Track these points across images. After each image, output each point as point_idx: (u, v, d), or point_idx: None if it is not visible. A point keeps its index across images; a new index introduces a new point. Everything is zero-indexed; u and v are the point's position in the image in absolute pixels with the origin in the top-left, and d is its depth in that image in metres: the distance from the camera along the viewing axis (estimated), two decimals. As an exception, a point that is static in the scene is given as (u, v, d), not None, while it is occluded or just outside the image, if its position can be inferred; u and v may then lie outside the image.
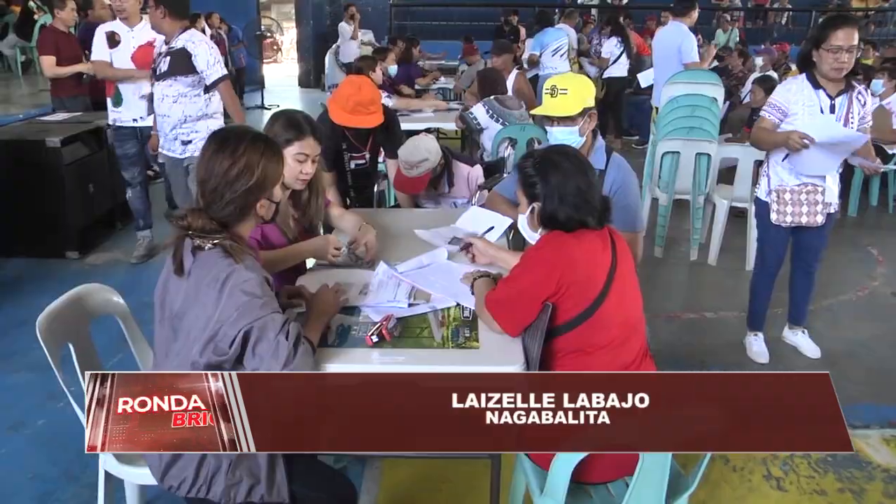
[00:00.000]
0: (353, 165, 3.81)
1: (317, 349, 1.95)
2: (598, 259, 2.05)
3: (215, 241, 1.82)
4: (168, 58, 4.19)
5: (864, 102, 3.38)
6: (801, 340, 3.92)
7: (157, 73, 4.26)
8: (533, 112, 2.89)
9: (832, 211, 3.52)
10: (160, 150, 4.49)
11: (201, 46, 4.18)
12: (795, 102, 3.35)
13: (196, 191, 1.91)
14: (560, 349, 2.05)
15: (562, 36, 8.24)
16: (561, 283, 1.99)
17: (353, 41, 10.39)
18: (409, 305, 2.27)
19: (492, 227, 2.91)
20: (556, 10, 12.51)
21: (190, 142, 4.36)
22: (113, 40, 4.77)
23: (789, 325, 3.97)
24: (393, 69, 7.05)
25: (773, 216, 3.50)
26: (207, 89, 4.27)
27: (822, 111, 3.31)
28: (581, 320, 2.01)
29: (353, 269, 2.59)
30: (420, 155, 3.59)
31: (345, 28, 10.78)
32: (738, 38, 12.41)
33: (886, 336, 4.18)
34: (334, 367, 1.94)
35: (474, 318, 2.20)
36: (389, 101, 5.71)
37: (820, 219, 3.45)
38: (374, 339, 2.03)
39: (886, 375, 3.73)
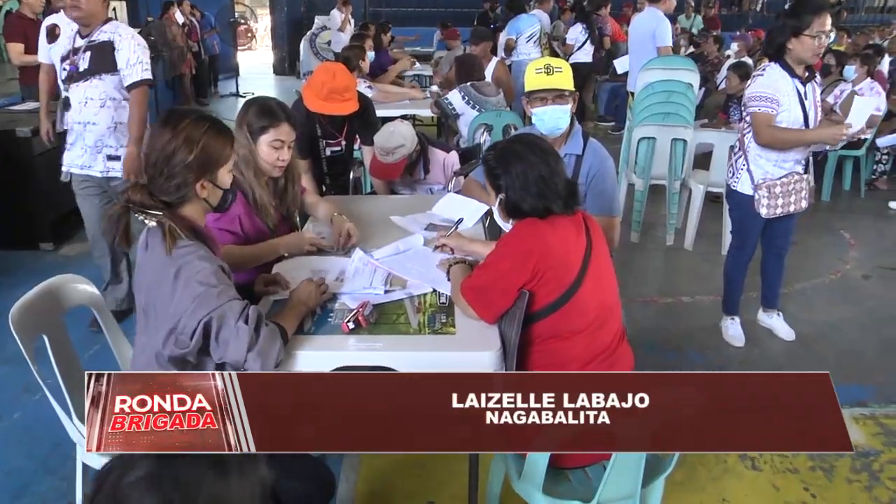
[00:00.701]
0: (328, 153, 3.79)
1: (291, 336, 1.95)
2: (573, 244, 2.06)
3: (157, 220, 1.82)
4: (88, 53, 3.56)
5: (820, 85, 3.52)
6: (775, 323, 3.97)
7: (77, 70, 3.59)
8: (534, 88, 2.85)
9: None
10: (70, 168, 3.73)
11: (127, 41, 3.57)
12: (785, 93, 3.35)
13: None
14: (538, 335, 2.06)
15: (535, 22, 8.26)
16: (536, 270, 2.00)
17: (341, 33, 9.98)
18: (386, 292, 2.27)
19: (461, 220, 2.91)
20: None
21: (119, 158, 3.63)
22: (53, 34, 4.16)
23: (763, 308, 4.01)
24: (371, 55, 6.99)
25: (764, 210, 3.48)
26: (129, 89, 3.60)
27: (800, 98, 3.35)
28: (558, 306, 2.02)
29: (329, 257, 2.58)
30: (396, 141, 3.58)
31: (336, 17, 10.44)
32: (701, 25, 12.43)
33: (857, 318, 4.25)
34: (310, 353, 1.95)
35: (451, 304, 2.21)
36: (370, 92, 5.67)
37: (805, 204, 3.51)
38: (351, 325, 2.03)
39: (857, 357, 3.80)
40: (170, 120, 1.87)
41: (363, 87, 5.64)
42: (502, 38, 8.33)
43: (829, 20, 3.25)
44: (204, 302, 1.76)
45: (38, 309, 2.17)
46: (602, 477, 1.87)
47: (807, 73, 3.38)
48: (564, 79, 2.84)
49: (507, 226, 2.22)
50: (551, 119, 2.83)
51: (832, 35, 3.27)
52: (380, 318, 2.11)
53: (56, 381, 2.11)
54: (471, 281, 2.12)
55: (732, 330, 3.90)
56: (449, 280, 2.31)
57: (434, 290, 2.29)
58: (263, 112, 2.55)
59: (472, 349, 1.97)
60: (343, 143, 3.84)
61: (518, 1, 9.12)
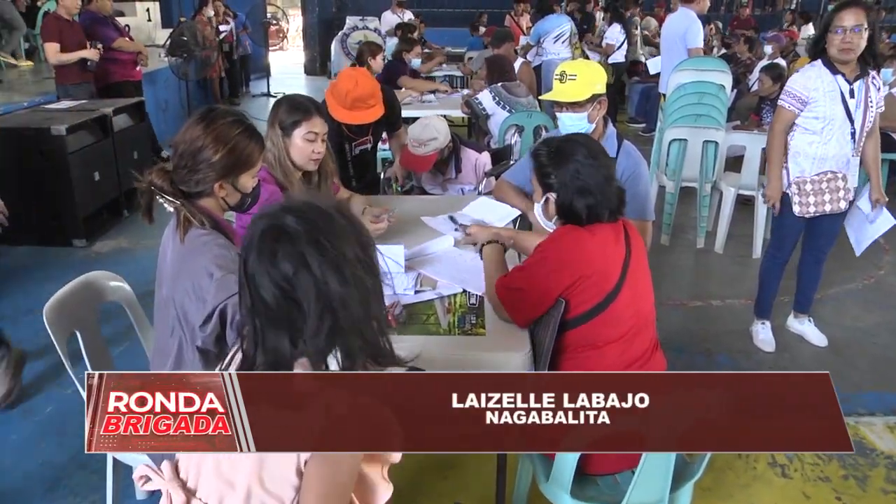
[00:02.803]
0: (357, 151, 3.76)
1: None
2: (612, 252, 2.03)
3: (174, 206, 1.86)
4: None
5: (879, 87, 3.38)
6: (807, 329, 3.91)
7: None
8: (542, 97, 2.89)
9: (851, 198, 3.50)
10: None
11: None
12: (815, 89, 3.32)
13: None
14: (571, 343, 2.03)
15: (563, 22, 8.25)
16: (574, 279, 1.97)
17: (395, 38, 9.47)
18: (416, 292, 2.27)
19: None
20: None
21: None
22: None
23: (794, 313, 3.96)
24: (417, 62, 6.89)
25: (797, 208, 3.45)
26: None
27: (842, 96, 3.29)
28: (594, 314, 2.00)
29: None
30: (430, 134, 3.60)
31: (389, 19, 9.80)
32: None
33: (892, 324, 4.17)
34: (340, 353, 1.95)
35: (480, 305, 2.20)
36: None
37: (843, 204, 3.44)
38: (381, 325, 2.03)
39: (891, 364, 3.73)
40: (206, 116, 1.90)
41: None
42: (524, 40, 8.36)
43: (859, 16, 3.16)
44: (222, 287, 1.77)
45: (72, 305, 2.20)
46: (631, 482, 1.86)
47: (858, 71, 3.30)
48: (575, 88, 2.76)
49: (549, 225, 2.19)
50: (563, 125, 2.84)
51: (864, 32, 3.18)
52: (410, 318, 2.11)
53: (89, 376, 2.14)
54: (507, 281, 2.10)
55: (763, 334, 3.85)
56: (481, 258, 2.31)
57: (464, 291, 2.29)
58: (294, 107, 2.59)
59: (502, 350, 1.97)
60: (371, 139, 3.82)
61: (545, 2, 9.12)
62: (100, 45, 6.09)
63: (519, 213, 2.98)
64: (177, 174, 1.89)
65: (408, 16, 10.19)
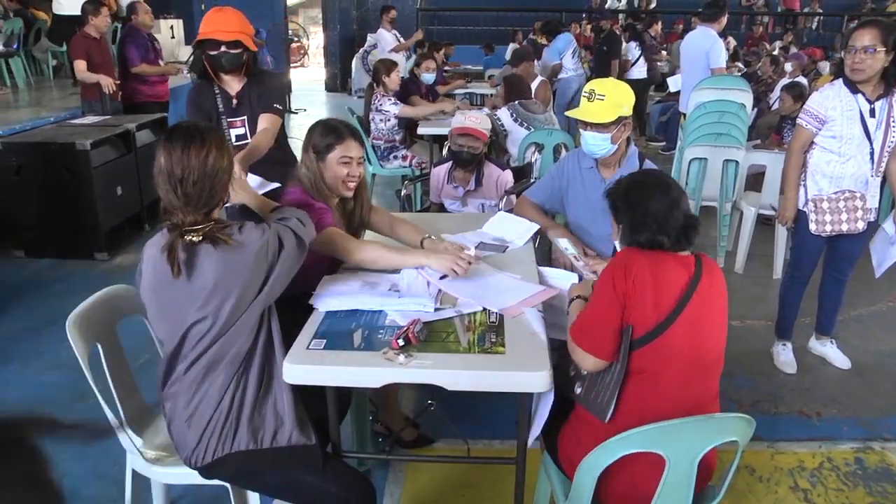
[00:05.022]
0: (233, 138, 3.49)
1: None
2: (670, 281, 1.94)
3: (202, 233, 1.86)
4: None
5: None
6: (829, 351, 3.86)
7: None
8: (568, 114, 2.91)
9: (872, 218, 3.46)
10: None
11: None
12: (833, 108, 3.30)
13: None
14: (635, 367, 1.93)
15: (571, 38, 8.63)
16: (626, 300, 1.91)
17: (396, 54, 9.17)
18: (436, 310, 2.26)
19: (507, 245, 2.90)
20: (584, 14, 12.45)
21: None
22: None
23: (816, 335, 3.91)
24: (428, 77, 6.90)
25: (813, 226, 3.43)
26: None
27: (861, 116, 3.27)
28: (647, 340, 1.91)
29: (379, 271, 2.58)
30: (483, 116, 4.00)
31: (385, 36, 9.68)
32: None
33: (917, 347, 4.11)
34: (360, 369, 1.95)
35: (500, 323, 2.19)
36: (395, 108, 5.67)
37: (861, 225, 3.40)
38: (400, 342, 2.02)
39: (916, 387, 3.67)
40: (191, 138, 1.88)
41: (388, 104, 5.67)
42: (545, 59, 8.46)
43: (873, 36, 3.13)
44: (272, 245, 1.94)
45: (94, 318, 2.22)
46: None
47: (881, 90, 3.26)
48: (602, 108, 2.78)
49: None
50: (586, 144, 2.87)
51: (879, 52, 3.14)
52: (429, 336, 2.10)
53: (108, 387, 2.16)
54: (576, 324, 2.04)
55: (784, 356, 3.81)
56: (567, 313, 2.28)
57: (484, 309, 2.27)
58: (328, 131, 2.59)
59: (522, 369, 1.95)
60: (246, 124, 3.52)
61: (552, 23, 9.30)
62: (113, 81, 6.13)
63: (538, 226, 2.98)
64: (197, 202, 1.87)
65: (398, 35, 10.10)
